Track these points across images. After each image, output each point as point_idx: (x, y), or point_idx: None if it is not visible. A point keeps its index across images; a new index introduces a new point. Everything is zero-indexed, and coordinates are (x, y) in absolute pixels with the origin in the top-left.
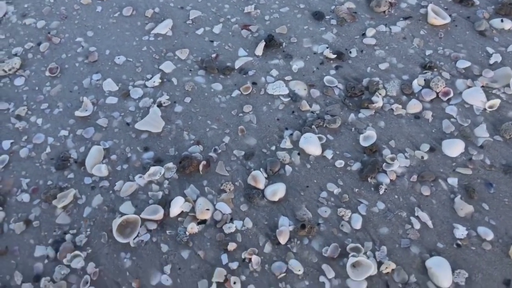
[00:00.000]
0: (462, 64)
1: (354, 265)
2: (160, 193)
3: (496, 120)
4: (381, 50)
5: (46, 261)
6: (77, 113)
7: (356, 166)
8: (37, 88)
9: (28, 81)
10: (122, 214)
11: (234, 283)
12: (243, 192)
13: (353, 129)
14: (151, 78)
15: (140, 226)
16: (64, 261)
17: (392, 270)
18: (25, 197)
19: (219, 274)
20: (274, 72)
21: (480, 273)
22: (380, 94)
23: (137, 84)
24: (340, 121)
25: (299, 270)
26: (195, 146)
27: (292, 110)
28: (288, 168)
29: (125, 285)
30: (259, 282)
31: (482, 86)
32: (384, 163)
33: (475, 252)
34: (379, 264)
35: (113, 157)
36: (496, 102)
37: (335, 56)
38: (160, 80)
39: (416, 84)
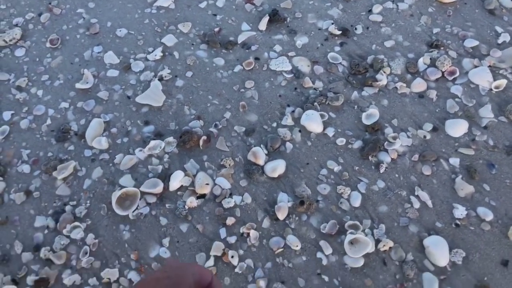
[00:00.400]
0: (470, 43)
1: (351, 242)
2: (160, 167)
3: (501, 100)
4: (387, 27)
5: (46, 231)
6: (78, 85)
7: (357, 144)
8: (37, 60)
9: (28, 52)
10: (122, 187)
11: (232, 257)
12: (243, 168)
13: (355, 107)
14: (152, 51)
15: (140, 199)
16: (64, 231)
17: (390, 248)
18: (26, 168)
19: (217, 248)
20: (278, 48)
21: (477, 253)
22: (384, 72)
23: (138, 57)
24: (343, 98)
25: (297, 246)
26: (195, 121)
27: (294, 87)
28: (289, 145)
29: (123, 256)
30: (257, 257)
31: (489, 66)
32: (386, 142)
33: (473, 232)
34: (377, 241)
35: (114, 130)
36: (503, 82)
37: (340, 32)
38: (161, 54)
39: (422, 62)
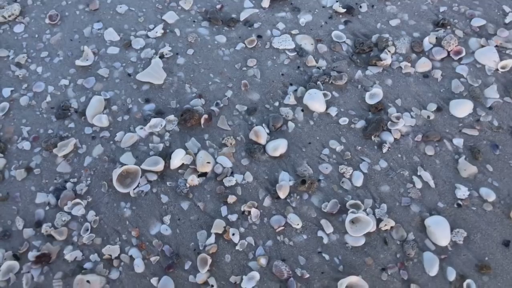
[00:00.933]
0: (477, 22)
1: (353, 221)
2: (161, 145)
3: (507, 81)
4: (393, 5)
5: (47, 207)
6: (78, 62)
7: (360, 124)
8: (36, 36)
9: (27, 28)
10: (123, 165)
11: (233, 234)
12: (244, 146)
13: (359, 86)
14: (153, 28)
15: (141, 177)
16: (65, 208)
17: (391, 227)
18: (26, 145)
19: (218, 226)
20: (281, 26)
21: (479, 233)
22: (389, 51)
23: (139, 35)
24: (346, 77)
25: (298, 224)
26: (197, 99)
27: (297, 65)
28: (291, 124)
29: (124, 233)
30: (258, 234)
31: (496, 46)
32: (389, 122)
33: (475, 213)
34: (378, 221)
35: (114, 108)
36: (509, 62)
37: (344, 10)
38: (162, 31)
39: (427, 42)
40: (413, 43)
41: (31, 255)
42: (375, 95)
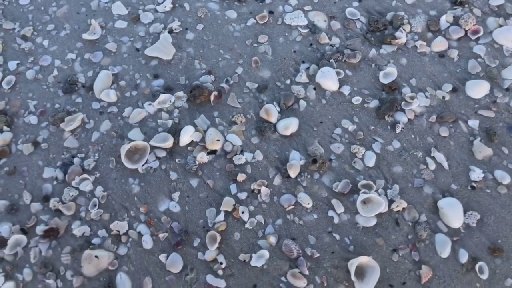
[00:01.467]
0: (496, 1)
1: (364, 202)
2: (170, 122)
3: None
4: None
5: (54, 182)
6: (85, 36)
7: (373, 103)
8: (42, 8)
9: (33, 0)
10: (131, 140)
11: (243, 212)
12: (254, 125)
13: (373, 65)
14: (162, 2)
15: (149, 153)
16: (73, 183)
17: (403, 208)
18: (33, 119)
19: (227, 203)
20: (293, 1)
21: (492, 215)
22: (404, 29)
23: (147, 9)
24: (360, 56)
25: (308, 204)
26: (206, 76)
27: (310, 43)
28: (302, 103)
29: (133, 209)
30: (267, 213)
31: None
32: (403, 102)
33: (489, 195)
34: (390, 202)
35: (122, 83)
36: None
37: None
38: (171, 5)
39: (444, 20)
40: (429, 21)
41: (39, 229)
42: (389, 74)
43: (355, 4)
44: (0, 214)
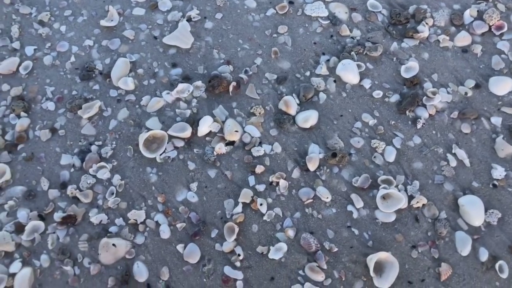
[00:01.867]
0: None
1: (384, 197)
2: (188, 111)
3: None
4: None
5: (72, 169)
6: (103, 22)
7: (394, 98)
8: None
9: None
10: (149, 129)
11: (261, 204)
12: (273, 116)
13: (394, 59)
14: None
15: (167, 143)
16: (90, 171)
17: (423, 205)
18: (50, 105)
19: (245, 195)
20: None
21: None
22: (426, 23)
23: None
24: (381, 49)
25: (327, 198)
26: (225, 66)
27: (330, 34)
28: (322, 96)
29: (150, 199)
30: (286, 206)
31: None
32: (425, 97)
33: (511, 194)
34: (410, 198)
35: (140, 71)
36: None
37: None
38: None
39: (468, 15)
40: (452, 15)
41: (57, 216)
42: (410, 68)
43: None
44: (18, 200)
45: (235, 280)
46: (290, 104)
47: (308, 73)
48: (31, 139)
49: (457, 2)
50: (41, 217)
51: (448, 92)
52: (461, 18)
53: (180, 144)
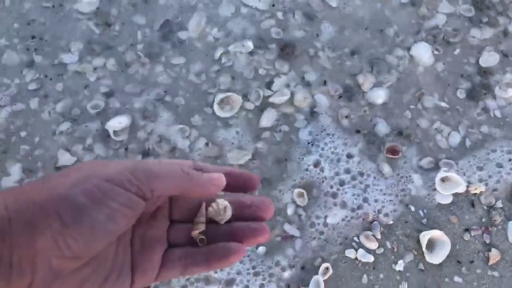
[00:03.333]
0: None
1: (443, 180)
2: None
3: None
4: None
5: None
6: None
7: (465, 85)
8: None
9: None
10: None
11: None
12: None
13: (471, 46)
14: None
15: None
16: None
17: (481, 192)
18: None
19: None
20: None
21: None
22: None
23: None
24: (460, 36)
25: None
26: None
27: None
28: (395, 73)
29: None
30: None
31: None
32: (497, 87)
33: None
34: (468, 183)
35: None
36: None
37: None
38: None
39: None
40: None
41: None
42: (487, 59)
43: None
44: None
45: (292, 237)
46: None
47: (382, 49)
48: None
49: None
50: None
51: None
52: None
53: None
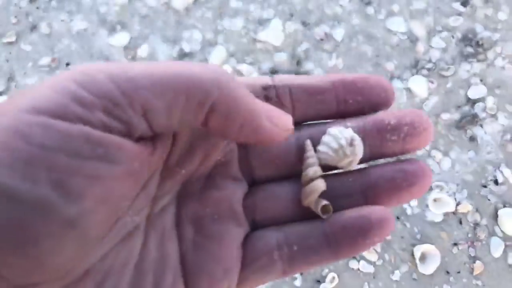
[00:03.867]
0: None
1: (435, 200)
2: None
3: None
4: None
5: None
6: None
7: (455, 115)
8: None
9: None
10: None
11: None
12: None
13: (461, 80)
14: None
15: None
16: None
17: (468, 211)
18: None
19: None
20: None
21: None
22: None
23: None
24: (452, 70)
25: None
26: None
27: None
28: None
29: None
30: None
31: None
32: (483, 118)
33: None
34: (457, 204)
35: None
36: None
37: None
38: None
39: None
40: None
41: None
42: (475, 91)
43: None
44: None
45: None
46: None
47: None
48: None
49: None
50: None
51: (505, 117)
52: None
53: None
